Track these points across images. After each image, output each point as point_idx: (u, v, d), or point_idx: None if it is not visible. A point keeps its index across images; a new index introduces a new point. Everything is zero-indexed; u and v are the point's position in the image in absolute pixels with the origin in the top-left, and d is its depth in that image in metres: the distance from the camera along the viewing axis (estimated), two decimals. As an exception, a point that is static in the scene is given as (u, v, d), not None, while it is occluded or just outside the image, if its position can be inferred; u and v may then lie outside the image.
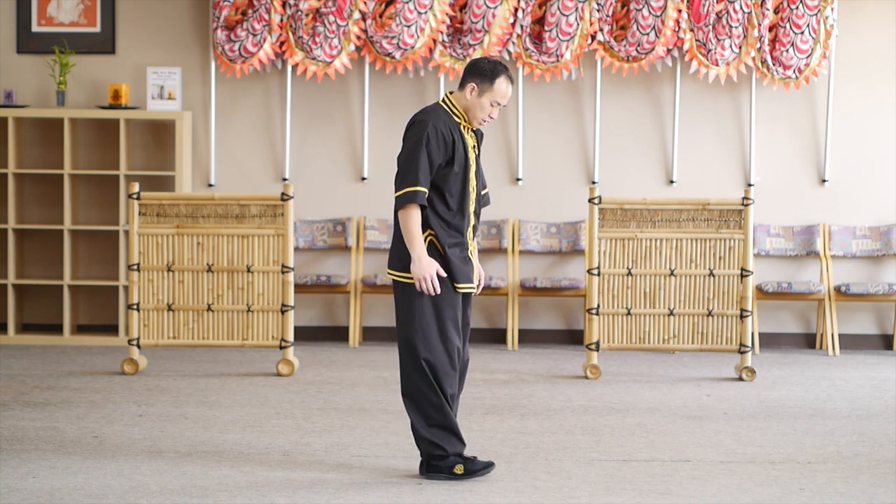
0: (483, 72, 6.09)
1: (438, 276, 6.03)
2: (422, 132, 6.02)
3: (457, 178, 6.08)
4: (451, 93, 6.19)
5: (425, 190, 5.99)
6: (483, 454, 6.63)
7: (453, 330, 6.10)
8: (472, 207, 6.16)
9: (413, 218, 5.99)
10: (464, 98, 6.13)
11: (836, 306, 10.40)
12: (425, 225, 6.06)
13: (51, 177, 10.49)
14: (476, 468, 6.17)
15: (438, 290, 6.00)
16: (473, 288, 6.19)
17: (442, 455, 6.15)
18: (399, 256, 6.11)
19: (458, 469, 6.14)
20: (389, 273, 6.15)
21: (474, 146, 6.19)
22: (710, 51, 10.22)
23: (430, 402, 6.12)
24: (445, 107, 6.15)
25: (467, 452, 6.37)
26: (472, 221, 6.19)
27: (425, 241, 6.05)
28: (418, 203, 5.97)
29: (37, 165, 10.54)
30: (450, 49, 10.31)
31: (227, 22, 10.36)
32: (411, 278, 6.05)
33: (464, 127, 6.15)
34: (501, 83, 6.09)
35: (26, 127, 10.56)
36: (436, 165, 6.02)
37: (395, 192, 6.05)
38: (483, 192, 6.31)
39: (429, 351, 6.07)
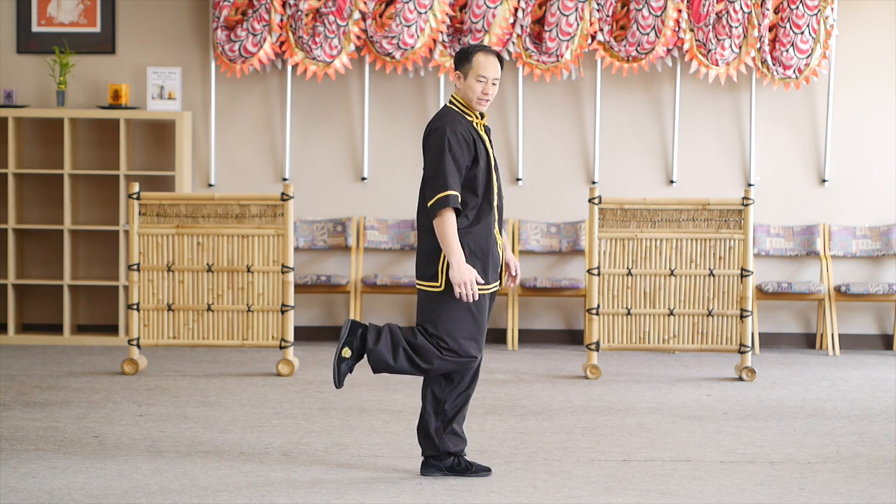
0: (460, 57, 6.17)
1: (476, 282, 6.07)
2: (442, 138, 6.04)
3: (483, 175, 6.12)
4: (454, 94, 6.22)
5: (457, 193, 6.01)
6: (483, 454, 6.64)
7: (480, 338, 6.12)
8: (496, 201, 6.19)
9: (449, 223, 5.99)
10: (459, 91, 6.16)
11: (836, 306, 10.40)
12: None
13: (51, 177, 10.49)
14: (442, 465, 6.23)
15: (477, 297, 6.01)
16: (499, 285, 6.24)
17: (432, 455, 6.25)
18: (424, 267, 6.12)
19: (345, 351, 6.13)
20: (419, 284, 6.15)
21: (491, 142, 6.24)
22: (710, 51, 10.22)
23: (429, 402, 6.19)
24: (455, 108, 6.17)
25: (469, 455, 6.39)
26: (497, 215, 6.21)
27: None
28: (452, 206, 5.98)
29: (37, 165, 10.54)
30: (450, 49, 10.31)
31: (227, 22, 10.36)
32: (437, 287, 6.06)
33: (476, 124, 6.18)
34: (478, 57, 6.12)
35: (26, 127, 10.56)
36: (463, 167, 6.05)
37: (427, 201, 6.03)
38: None
39: (462, 354, 6.11)
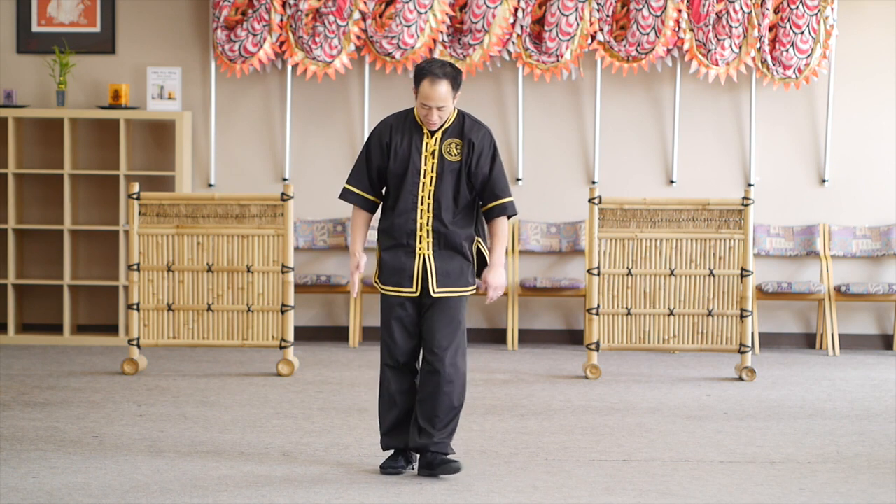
0: (414, 73, 6.13)
1: (381, 278, 6.26)
2: (370, 134, 6.22)
3: (397, 180, 6.17)
4: None
5: (355, 190, 6.21)
6: (483, 454, 6.64)
7: (395, 330, 6.28)
8: (425, 214, 6.11)
9: (352, 214, 6.26)
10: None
11: (836, 306, 10.40)
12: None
13: (51, 177, 10.49)
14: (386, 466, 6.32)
15: (357, 287, 6.30)
16: (411, 292, 6.21)
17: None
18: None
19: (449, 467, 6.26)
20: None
21: (436, 151, 6.13)
22: (710, 51, 10.22)
23: (379, 397, 6.35)
24: (414, 112, 6.22)
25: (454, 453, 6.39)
26: (427, 225, 6.11)
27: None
28: (344, 200, 6.24)
29: (37, 165, 10.54)
30: (450, 49, 10.31)
31: (227, 22, 10.36)
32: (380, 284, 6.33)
33: (425, 132, 6.16)
34: (423, 85, 6.05)
35: (26, 127, 10.56)
36: (374, 167, 6.19)
37: None
38: (492, 205, 6.17)
39: (381, 350, 6.36)
